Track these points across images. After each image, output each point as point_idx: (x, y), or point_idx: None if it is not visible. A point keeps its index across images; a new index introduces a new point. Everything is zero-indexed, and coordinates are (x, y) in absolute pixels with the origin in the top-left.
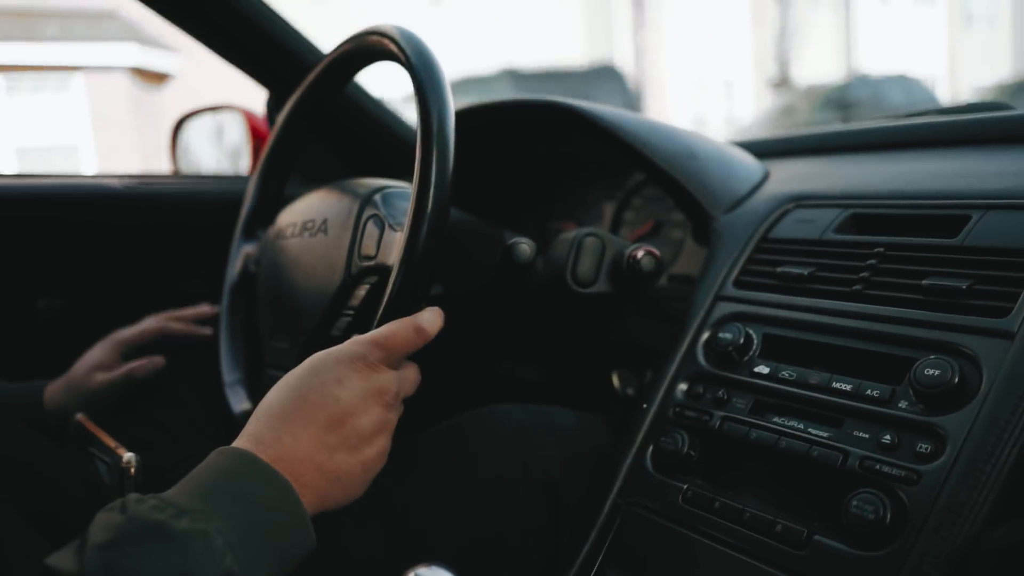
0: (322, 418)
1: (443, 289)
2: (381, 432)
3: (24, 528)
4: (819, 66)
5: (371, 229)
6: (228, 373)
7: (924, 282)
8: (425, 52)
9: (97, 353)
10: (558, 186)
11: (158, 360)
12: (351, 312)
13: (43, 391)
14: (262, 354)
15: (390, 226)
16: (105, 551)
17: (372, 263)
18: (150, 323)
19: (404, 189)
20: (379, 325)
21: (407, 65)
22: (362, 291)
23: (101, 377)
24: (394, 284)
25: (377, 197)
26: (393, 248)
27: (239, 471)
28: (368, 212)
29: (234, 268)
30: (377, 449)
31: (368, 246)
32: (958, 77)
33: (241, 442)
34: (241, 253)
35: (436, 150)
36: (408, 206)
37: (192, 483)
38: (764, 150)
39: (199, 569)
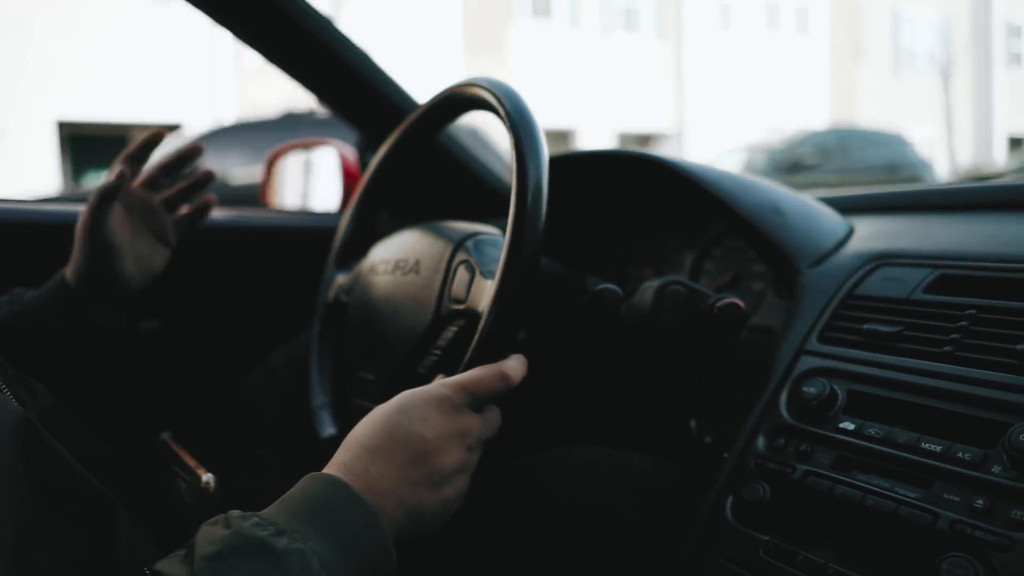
0: (407, 454)
1: (528, 334)
2: (461, 472)
3: (131, 531)
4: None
5: (462, 274)
6: (315, 397)
7: (1018, 347)
8: (523, 107)
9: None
10: (638, 233)
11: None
12: (438, 352)
13: (60, 278)
14: (348, 383)
15: (481, 273)
16: (212, 562)
17: (462, 307)
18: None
19: (494, 236)
20: (465, 369)
21: (506, 118)
22: (449, 333)
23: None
24: (482, 331)
25: (469, 243)
26: (483, 295)
27: (331, 496)
28: (460, 257)
29: (327, 295)
30: (456, 488)
31: (458, 290)
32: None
33: (331, 469)
34: (334, 282)
35: (530, 205)
36: (498, 254)
37: (287, 504)
38: (848, 206)
39: None
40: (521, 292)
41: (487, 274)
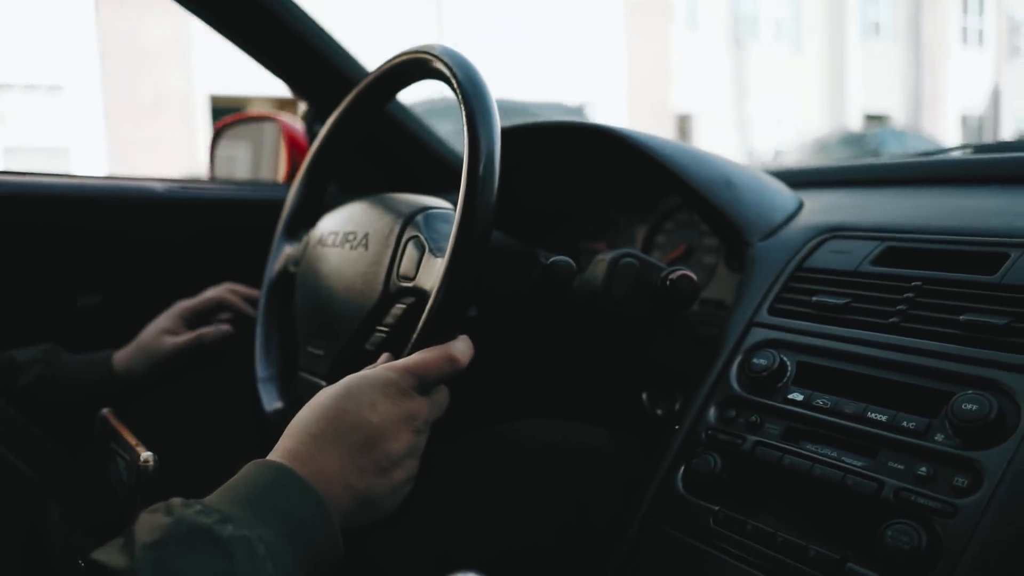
0: (354, 440)
1: (479, 310)
2: (410, 457)
3: (62, 518)
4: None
5: (411, 251)
6: (262, 369)
7: (962, 317)
8: (476, 76)
9: (163, 320)
10: (589, 207)
11: (225, 328)
12: (386, 329)
13: (111, 358)
14: (296, 356)
15: (431, 250)
16: (154, 550)
17: (410, 284)
18: (212, 292)
19: (446, 211)
20: (413, 349)
21: (458, 88)
22: (397, 310)
23: (170, 341)
24: (431, 310)
25: (419, 218)
26: (431, 273)
27: (277, 483)
28: (409, 233)
29: (274, 266)
30: (406, 472)
31: (407, 267)
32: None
33: (276, 456)
34: (282, 253)
35: (481, 179)
36: (449, 229)
37: (232, 492)
38: (797, 180)
39: (243, 573)
40: (472, 272)
41: (437, 251)
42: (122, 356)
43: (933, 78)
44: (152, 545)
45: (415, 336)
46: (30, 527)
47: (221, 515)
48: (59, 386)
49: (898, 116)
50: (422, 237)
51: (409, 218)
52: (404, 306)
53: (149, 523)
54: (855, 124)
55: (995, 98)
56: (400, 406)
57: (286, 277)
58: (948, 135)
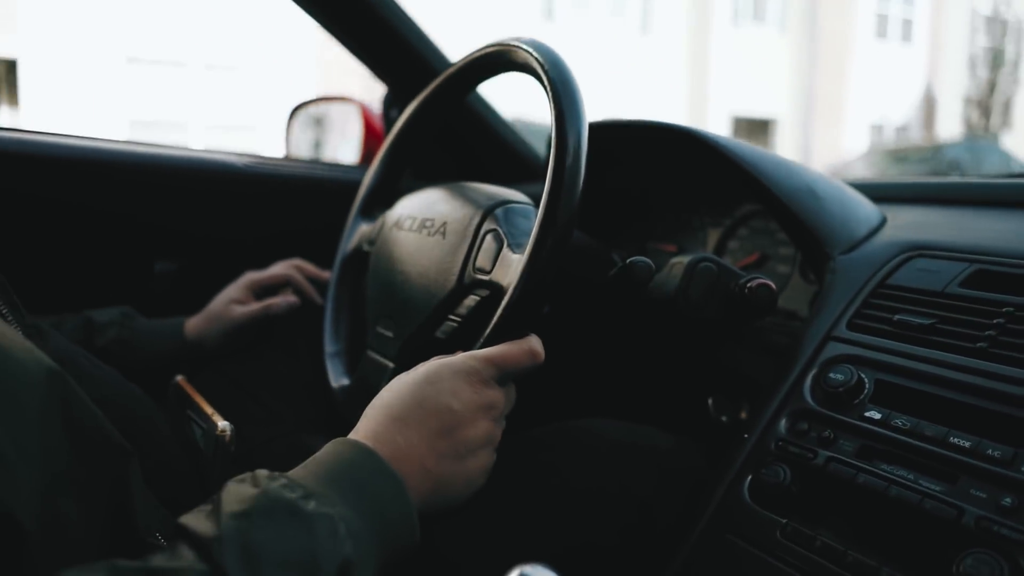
0: (434, 425)
1: (552, 307)
2: (486, 446)
3: (144, 483)
4: None
5: (489, 243)
6: (330, 344)
7: None
8: (566, 70)
9: (232, 290)
10: (662, 208)
11: (293, 299)
12: (458, 319)
13: (183, 325)
14: (364, 335)
15: (509, 245)
16: (239, 520)
17: (486, 278)
18: (279, 267)
19: (525, 207)
20: (486, 343)
21: (546, 80)
22: (471, 301)
23: (239, 310)
24: (507, 306)
25: (499, 211)
26: (508, 268)
27: (358, 463)
28: (488, 226)
29: (348, 243)
30: (481, 462)
31: (484, 260)
32: None
33: (358, 436)
34: (357, 230)
35: (567, 177)
36: (528, 225)
37: (315, 468)
38: (881, 194)
39: (324, 552)
40: (551, 268)
41: (515, 247)
42: (193, 324)
43: (835, 76)
44: (239, 515)
45: (489, 330)
46: (120, 491)
47: (305, 491)
48: (133, 349)
49: (787, 120)
50: (501, 231)
51: (489, 211)
52: (478, 298)
53: (236, 493)
54: (721, 127)
55: (927, 105)
56: (481, 394)
57: (359, 255)
58: (848, 145)
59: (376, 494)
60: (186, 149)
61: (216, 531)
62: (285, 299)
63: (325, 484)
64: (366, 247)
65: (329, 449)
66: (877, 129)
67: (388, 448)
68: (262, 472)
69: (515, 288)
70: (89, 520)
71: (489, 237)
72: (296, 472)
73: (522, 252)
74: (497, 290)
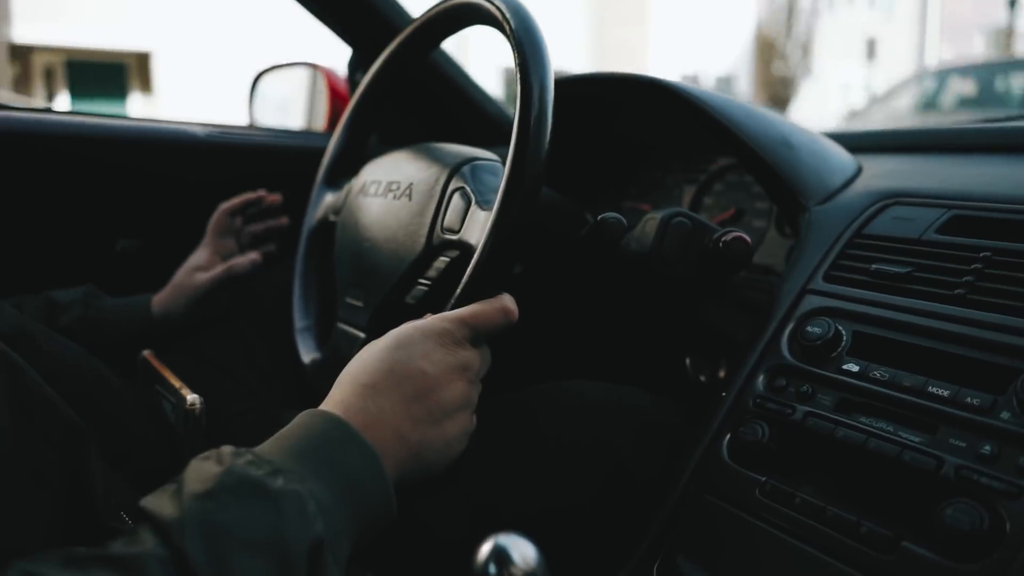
0: (408, 390)
1: (523, 267)
2: (464, 408)
3: (104, 465)
4: None
5: (456, 202)
6: (299, 319)
7: None
8: (529, 20)
9: (194, 258)
10: (635, 166)
11: (254, 256)
12: (427, 283)
13: (150, 302)
14: (334, 306)
15: (477, 203)
16: (203, 500)
17: (455, 238)
18: (215, 214)
19: (493, 163)
20: (457, 304)
21: (511, 34)
22: (440, 263)
23: (202, 276)
24: (476, 265)
25: (466, 169)
26: (477, 226)
27: (329, 435)
28: (455, 184)
29: (314, 214)
30: (459, 425)
31: (452, 220)
32: None
33: (328, 406)
34: (323, 201)
35: (533, 130)
36: (496, 182)
37: (284, 443)
38: (856, 144)
39: (293, 530)
40: (520, 224)
41: (483, 204)
42: (159, 299)
43: (636, 25)
44: (202, 495)
45: (459, 290)
46: (75, 470)
47: (272, 467)
48: (99, 328)
49: None
50: (468, 189)
51: (455, 169)
52: (448, 259)
53: (199, 472)
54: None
55: (762, 49)
56: (454, 355)
57: (326, 226)
58: None
59: (348, 466)
60: (144, 119)
61: (178, 513)
62: (247, 257)
63: (294, 459)
64: (332, 217)
65: (298, 422)
66: (692, 79)
67: (360, 417)
68: (227, 448)
69: (484, 246)
70: (38, 503)
71: (457, 196)
72: (263, 447)
73: (490, 209)
74: (467, 249)
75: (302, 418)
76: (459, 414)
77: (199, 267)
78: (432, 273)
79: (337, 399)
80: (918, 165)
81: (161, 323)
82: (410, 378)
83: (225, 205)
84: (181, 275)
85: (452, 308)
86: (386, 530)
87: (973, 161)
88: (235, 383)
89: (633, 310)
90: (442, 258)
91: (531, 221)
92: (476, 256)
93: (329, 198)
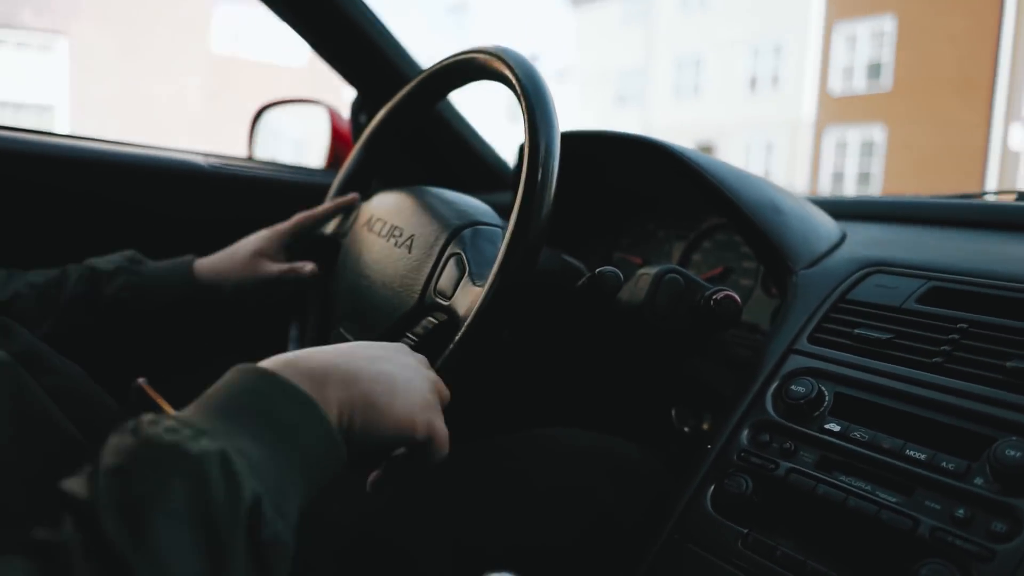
0: (356, 350)
1: (511, 330)
2: (418, 374)
3: None
4: None
5: (451, 269)
6: (293, 344)
7: (1008, 363)
8: (538, 79)
9: (257, 241)
10: (626, 217)
11: (315, 268)
12: (414, 339)
13: (190, 267)
14: (327, 334)
15: (470, 275)
16: (115, 476)
17: (445, 303)
18: (306, 213)
19: (494, 229)
20: (441, 369)
21: (520, 90)
22: (429, 323)
23: (268, 266)
24: (460, 341)
25: (467, 234)
26: (467, 299)
27: (257, 389)
28: (453, 248)
29: (322, 229)
30: (420, 394)
31: (445, 284)
32: None
33: (267, 363)
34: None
35: (536, 197)
36: (493, 252)
37: (207, 401)
38: (840, 211)
39: (220, 493)
40: (510, 300)
41: (476, 278)
42: (210, 264)
43: None
44: (116, 470)
45: (440, 361)
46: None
47: (194, 429)
48: (145, 295)
49: None
50: (464, 257)
51: (455, 232)
52: (435, 322)
53: (114, 446)
54: None
55: None
56: (414, 358)
57: (332, 243)
58: None
59: (281, 417)
60: (147, 147)
61: (92, 493)
62: (310, 265)
63: (218, 418)
64: (339, 239)
65: (226, 378)
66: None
67: (295, 369)
68: (146, 417)
69: (469, 324)
70: (34, 515)
71: (452, 262)
72: (187, 409)
73: (483, 285)
74: (454, 318)
75: (230, 374)
76: (417, 380)
77: (263, 252)
78: (419, 330)
79: (281, 357)
80: (899, 235)
81: (208, 290)
82: (356, 346)
83: (282, 227)
84: (240, 255)
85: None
86: (335, 475)
87: (951, 234)
88: None
89: (622, 361)
90: (430, 319)
91: (523, 292)
92: (461, 333)
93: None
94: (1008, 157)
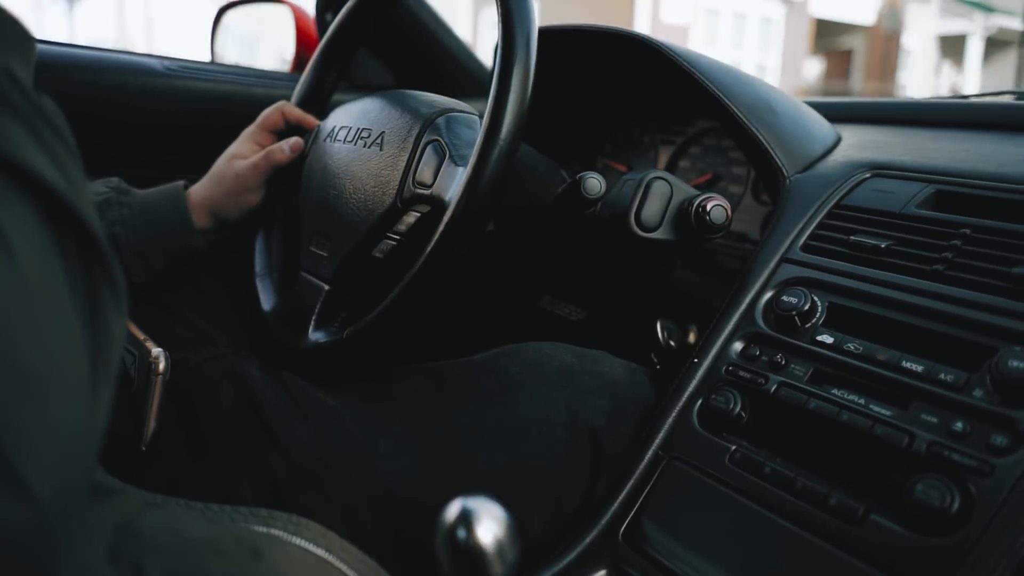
0: None
1: (495, 224)
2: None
3: None
4: None
5: (430, 156)
6: (260, 264)
7: (1014, 270)
8: None
9: (234, 146)
10: (611, 123)
11: (295, 142)
12: (397, 237)
13: (184, 190)
14: (297, 253)
15: (451, 158)
16: None
17: (427, 192)
18: (269, 109)
19: (470, 115)
20: (427, 261)
21: None
22: (411, 218)
23: (240, 164)
24: (450, 222)
25: (441, 121)
26: (452, 182)
27: None
28: (429, 136)
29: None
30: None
31: (425, 174)
32: None
33: None
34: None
35: (515, 83)
36: (472, 136)
37: None
38: (835, 113)
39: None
40: (497, 183)
41: (458, 159)
42: (199, 188)
43: None
44: None
45: (430, 248)
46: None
47: None
48: (139, 230)
49: None
50: (443, 142)
51: (429, 120)
52: (418, 215)
53: None
54: None
55: None
56: None
57: (290, 169)
58: None
59: None
60: (94, 47)
61: None
62: (287, 141)
63: None
64: (297, 160)
65: None
66: None
67: None
68: None
69: (458, 203)
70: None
71: (430, 148)
72: None
73: (465, 165)
74: (439, 205)
75: None
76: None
77: (237, 155)
78: (402, 228)
79: None
80: (899, 137)
81: (201, 213)
82: None
83: (287, 106)
84: (219, 166)
85: (423, 266)
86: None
87: (953, 136)
88: (196, 333)
89: (604, 271)
90: (413, 212)
91: (508, 179)
92: (449, 213)
93: (295, 139)
94: (660, 31)
